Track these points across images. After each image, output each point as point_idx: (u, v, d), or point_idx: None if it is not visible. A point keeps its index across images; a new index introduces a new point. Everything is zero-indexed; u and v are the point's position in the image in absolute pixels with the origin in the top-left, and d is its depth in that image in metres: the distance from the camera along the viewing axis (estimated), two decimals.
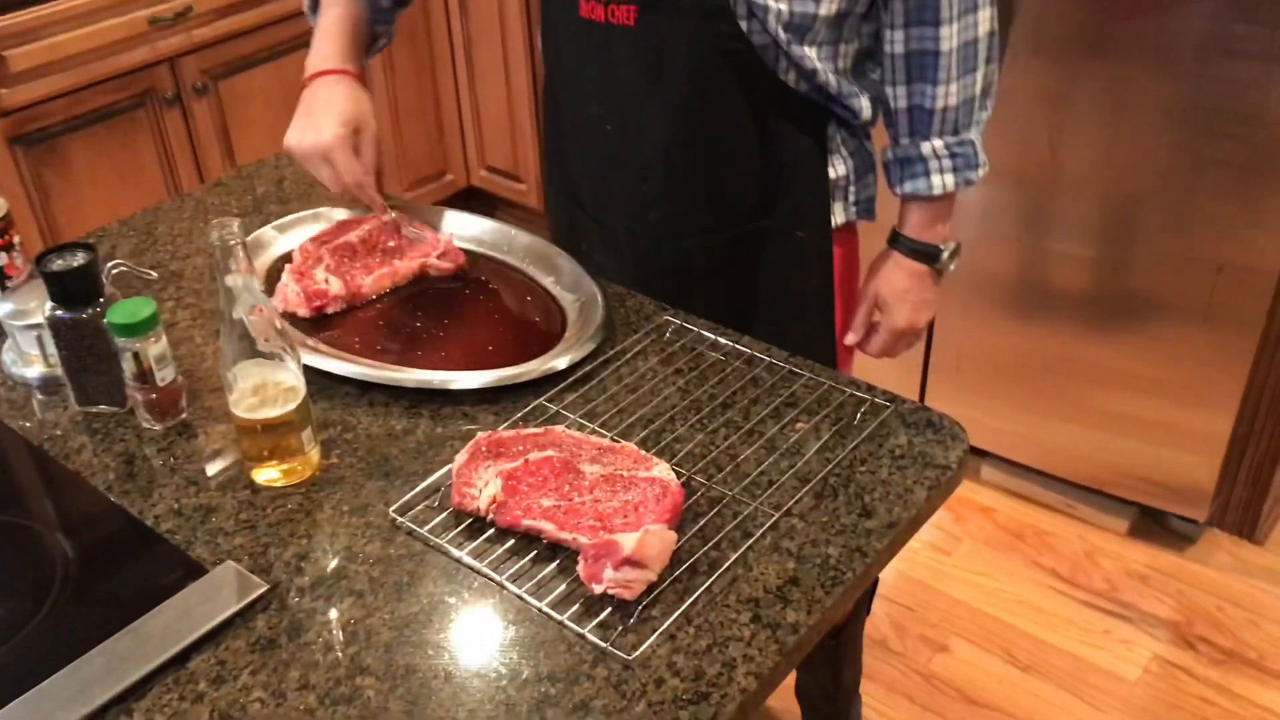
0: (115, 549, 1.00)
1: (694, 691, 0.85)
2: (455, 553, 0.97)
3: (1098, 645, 2.02)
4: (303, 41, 2.63)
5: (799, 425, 1.09)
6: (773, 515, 0.99)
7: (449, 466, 1.04)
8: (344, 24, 1.34)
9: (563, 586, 0.93)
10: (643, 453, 1.02)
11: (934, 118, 1.24)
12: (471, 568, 0.95)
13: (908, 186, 1.28)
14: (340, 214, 1.41)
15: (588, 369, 1.17)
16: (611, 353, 1.20)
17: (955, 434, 1.07)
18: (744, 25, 1.18)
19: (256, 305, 0.99)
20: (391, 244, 1.33)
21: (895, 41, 1.22)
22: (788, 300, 1.36)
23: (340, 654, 0.89)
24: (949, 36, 1.19)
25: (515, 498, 0.97)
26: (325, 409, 1.14)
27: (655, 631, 0.89)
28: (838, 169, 1.31)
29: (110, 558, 0.99)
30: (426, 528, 0.99)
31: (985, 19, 1.21)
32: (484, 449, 1.02)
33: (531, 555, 0.96)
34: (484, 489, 0.98)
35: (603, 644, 0.88)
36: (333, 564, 0.97)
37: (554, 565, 0.95)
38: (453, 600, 0.93)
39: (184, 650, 0.89)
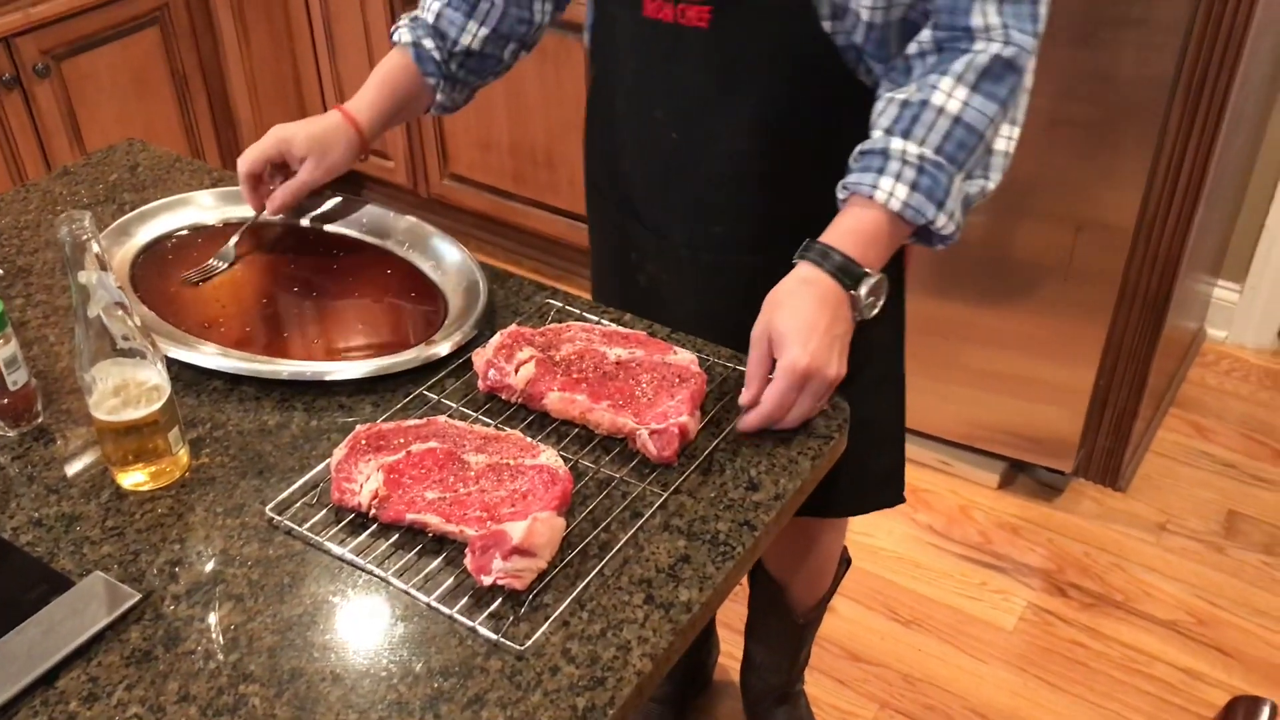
0: None
1: (589, 677, 0.84)
2: (337, 550, 0.94)
3: (975, 597, 2.08)
4: (151, 18, 2.53)
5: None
6: (661, 494, 0.99)
7: (327, 461, 1.01)
8: (380, 72, 1.31)
9: (450, 580, 0.91)
10: (528, 440, 1.00)
11: (924, 113, 1.04)
12: (355, 565, 0.93)
13: (852, 177, 1.07)
14: (207, 198, 1.35)
15: (469, 355, 1.15)
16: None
17: (836, 403, 1.08)
18: (828, 26, 1.09)
19: (114, 301, 0.94)
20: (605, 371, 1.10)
21: (924, 40, 1.08)
22: None
23: (221, 662, 0.85)
24: (982, 48, 1.05)
25: (398, 491, 0.95)
26: (192, 406, 1.09)
27: (548, 619, 0.88)
28: None
29: None
30: (306, 526, 0.96)
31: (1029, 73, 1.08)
32: (363, 442, 0.99)
33: (417, 549, 0.94)
34: (365, 484, 0.96)
35: (494, 636, 0.86)
36: (208, 568, 0.93)
37: (440, 558, 0.93)
38: (338, 599, 0.90)
39: (51, 669, 0.84)
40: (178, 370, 1.12)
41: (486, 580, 0.88)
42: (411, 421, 1.03)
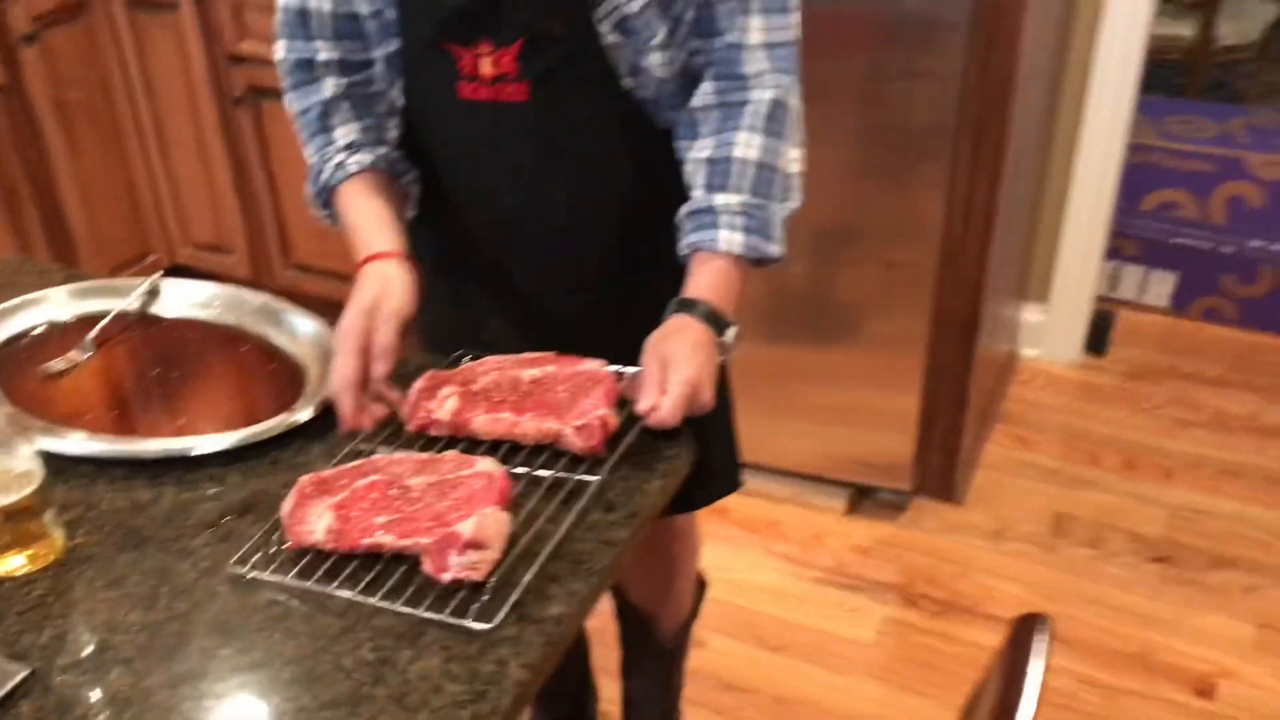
0: None
1: (471, 691, 0.91)
2: (303, 585, 1.01)
3: (834, 617, 2.20)
4: None
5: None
6: (529, 525, 1.07)
7: (277, 515, 1.06)
8: (366, 209, 1.26)
9: (411, 589, 0.99)
10: (463, 455, 1.09)
11: (732, 167, 1.21)
12: (322, 594, 1.00)
13: (693, 236, 1.21)
14: (61, 295, 1.39)
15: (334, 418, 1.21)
16: None
17: (679, 429, 1.18)
18: (628, 83, 1.23)
19: None
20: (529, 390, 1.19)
21: (707, 93, 1.23)
22: None
23: None
24: (759, 96, 1.22)
25: (350, 524, 1.03)
26: (63, 492, 1.12)
27: (428, 639, 0.94)
28: None
29: None
30: (268, 571, 1.02)
31: (794, 93, 1.24)
32: (308, 490, 1.06)
33: (374, 572, 1.01)
34: (318, 523, 1.03)
35: (454, 621, 0.96)
36: (95, 639, 0.97)
37: (398, 575, 1.01)
38: (226, 652, 0.95)
39: None
40: (44, 460, 1.15)
41: (446, 577, 0.97)
42: (348, 465, 1.10)
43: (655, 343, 1.17)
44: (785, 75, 1.23)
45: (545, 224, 1.32)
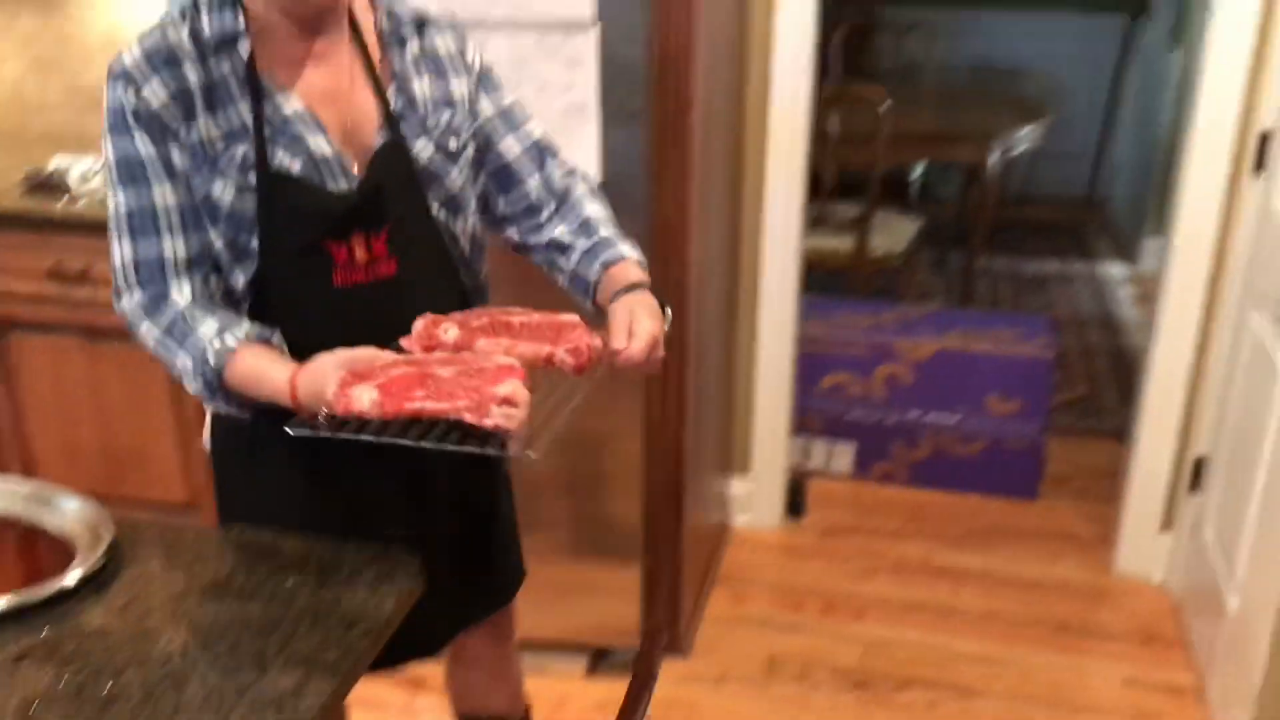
0: None
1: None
2: (361, 436, 1.29)
3: None
4: None
5: None
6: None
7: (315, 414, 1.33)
8: (259, 351, 1.41)
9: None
10: (481, 354, 1.37)
11: (592, 223, 1.61)
12: (367, 441, 1.30)
13: (603, 256, 1.57)
14: None
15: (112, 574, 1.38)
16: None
17: (404, 562, 1.42)
18: (450, 248, 1.59)
19: None
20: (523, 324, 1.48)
21: (537, 188, 1.64)
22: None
23: None
24: (579, 187, 1.66)
25: (392, 396, 1.26)
26: None
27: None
28: None
29: None
30: (318, 431, 1.31)
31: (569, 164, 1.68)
32: (348, 379, 1.29)
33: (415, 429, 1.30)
34: (364, 395, 1.26)
35: (500, 453, 1.31)
36: None
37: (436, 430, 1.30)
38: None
39: None
40: None
41: (488, 422, 1.24)
42: (381, 362, 1.34)
43: (621, 301, 1.49)
44: (586, 176, 1.70)
45: None
